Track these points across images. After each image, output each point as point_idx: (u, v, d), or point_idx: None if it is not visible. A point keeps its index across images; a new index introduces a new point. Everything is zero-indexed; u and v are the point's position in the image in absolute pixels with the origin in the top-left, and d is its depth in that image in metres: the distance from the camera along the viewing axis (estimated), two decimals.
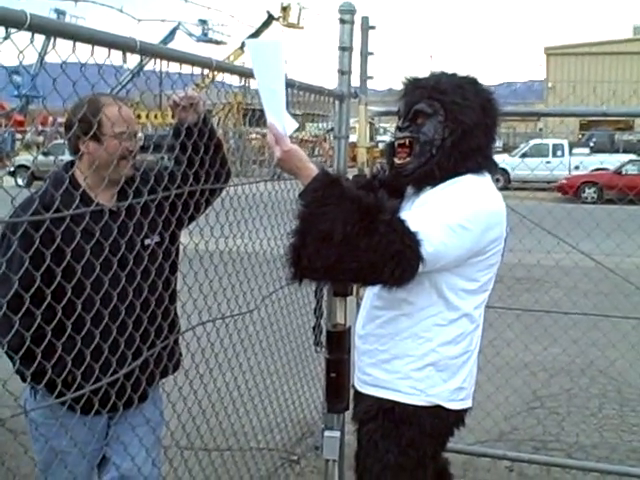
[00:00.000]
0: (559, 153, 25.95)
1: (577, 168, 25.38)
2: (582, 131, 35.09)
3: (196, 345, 2.92)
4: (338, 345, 3.65)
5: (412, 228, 2.14)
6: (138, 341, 2.48)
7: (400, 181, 2.50)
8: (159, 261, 2.58)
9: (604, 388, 5.75)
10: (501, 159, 21.83)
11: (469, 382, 2.54)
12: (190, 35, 44.15)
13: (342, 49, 3.95)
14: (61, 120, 2.65)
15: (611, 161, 25.24)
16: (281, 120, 2.28)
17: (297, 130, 2.42)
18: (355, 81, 4.06)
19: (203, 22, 44.57)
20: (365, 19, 4.03)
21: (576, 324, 5.65)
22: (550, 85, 41.61)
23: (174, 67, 2.24)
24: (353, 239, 2.05)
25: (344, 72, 3.95)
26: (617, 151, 28.37)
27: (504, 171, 20.70)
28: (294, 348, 4.31)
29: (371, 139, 5.05)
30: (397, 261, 2.10)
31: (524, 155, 23.98)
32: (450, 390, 2.45)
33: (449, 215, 2.22)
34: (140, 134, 2.71)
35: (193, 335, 2.83)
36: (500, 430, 4.93)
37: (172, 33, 42.39)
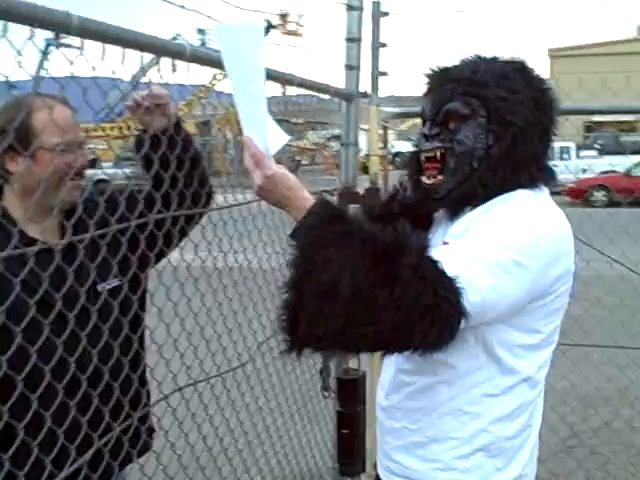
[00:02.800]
0: (566, 156, 25.54)
1: (585, 171, 24.92)
2: (586, 133, 34.67)
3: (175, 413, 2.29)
4: (351, 395, 3.08)
5: (449, 271, 1.57)
6: (85, 427, 1.83)
7: (430, 205, 1.91)
8: (115, 314, 1.94)
9: None
10: None
11: (531, 467, 1.92)
12: (189, 45, 43.64)
13: (349, 40, 3.41)
14: None
15: (620, 163, 24.77)
16: (262, 133, 1.70)
17: (288, 144, 1.81)
18: (366, 78, 3.49)
19: (201, 32, 44.11)
20: (376, 4, 3.46)
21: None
22: (553, 82, 41.21)
23: (173, 77, 2.00)
24: (367, 293, 1.50)
25: (352, 67, 3.40)
26: (623, 153, 27.92)
27: None
28: (297, 400, 3.63)
29: (384, 146, 4.48)
30: (430, 320, 1.53)
31: None
32: None
33: (498, 249, 1.64)
34: (90, 145, 2.10)
35: (166, 407, 2.20)
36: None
37: None
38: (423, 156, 1.85)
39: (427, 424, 1.82)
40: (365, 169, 3.47)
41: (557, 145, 25.98)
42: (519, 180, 1.78)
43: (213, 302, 2.62)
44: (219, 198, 2.52)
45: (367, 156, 3.47)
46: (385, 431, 1.94)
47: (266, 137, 1.69)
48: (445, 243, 1.78)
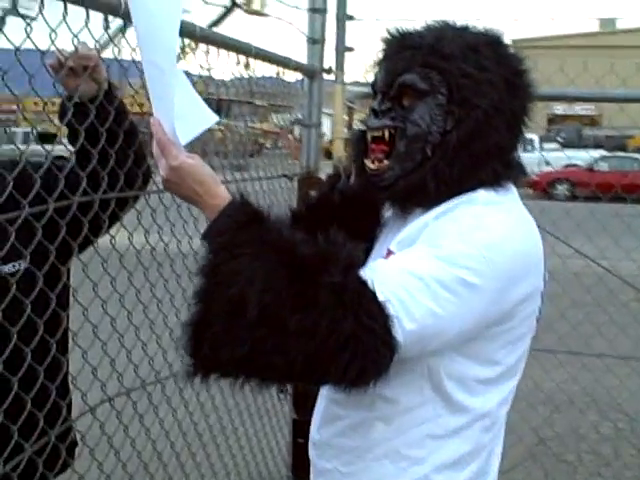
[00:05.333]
0: (529, 148, 25.56)
1: (548, 164, 25.01)
2: (550, 126, 34.86)
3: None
4: (307, 405, 2.81)
5: (380, 293, 1.31)
6: None
7: (374, 195, 1.61)
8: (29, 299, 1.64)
9: (616, 427, 4.92)
10: None
11: None
12: None
13: (313, 11, 3.14)
14: None
15: (581, 157, 24.91)
16: (171, 115, 1.41)
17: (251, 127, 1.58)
18: (330, 54, 3.20)
19: None
20: None
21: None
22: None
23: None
24: (276, 316, 1.26)
25: (315, 41, 3.12)
26: (585, 147, 28.09)
27: None
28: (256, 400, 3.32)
29: (350, 128, 4.21)
30: (351, 353, 1.28)
31: None
32: None
33: (442, 265, 1.36)
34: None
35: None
36: None
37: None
38: (369, 135, 1.56)
39: (361, 468, 1.54)
40: (329, 154, 3.21)
41: None
42: (480, 176, 1.49)
43: (165, 291, 2.34)
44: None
45: (331, 141, 3.20)
46: (317, 472, 1.65)
47: (174, 120, 1.41)
48: (390, 253, 1.50)
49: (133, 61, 1.78)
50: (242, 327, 1.25)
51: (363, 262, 1.42)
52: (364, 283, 1.31)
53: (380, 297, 1.30)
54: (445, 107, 1.49)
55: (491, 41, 1.55)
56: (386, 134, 1.52)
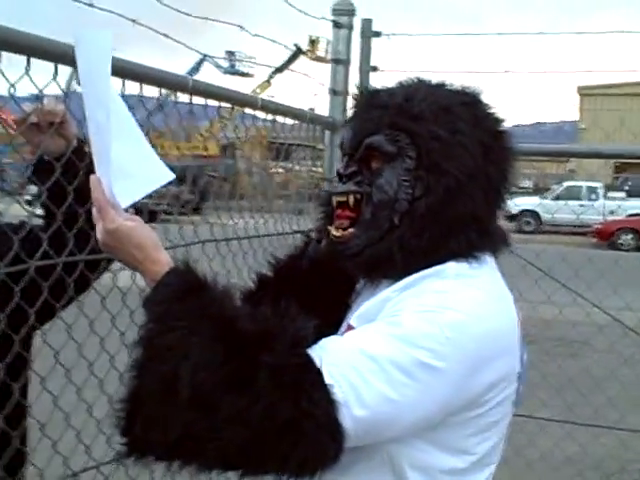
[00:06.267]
0: (593, 196, 25.11)
1: (612, 213, 24.49)
2: (617, 174, 34.24)
3: None
4: None
5: (328, 375, 1.20)
6: None
7: (339, 264, 1.47)
8: None
9: None
10: (533, 201, 23.61)
11: None
12: (217, 67, 43.91)
13: (336, 62, 3.04)
14: None
15: None
16: (107, 170, 1.32)
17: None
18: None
19: (230, 54, 44.39)
20: (367, 22, 3.09)
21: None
22: (583, 126, 40.67)
23: (199, 99, 2.15)
24: (208, 397, 1.16)
25: (337, 92, 3.03)
26: None
27: (535, 214, 21.66)
28: None
29: None
30: (290, 441, 1.18)
31: (557, 198, 23.18)
32: None
33: (399, 345, 1.23)
34: None
35: None
36: None
37: (198, 65, 42.15)
38: (335, 200, 1.45)
39: None
40: None
41: (585, 185, 25.61)
42: (451, 247, 1.37)
43: None
44: (240, 222, 2.32)
45: None
46: None
47: (110, 179, 1.31)
48: (350, 327, 1.38)
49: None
50: (173, 408, 1.16)
51: (325, 336, 1.29)
52: (308, 363, 1.20)
53: (327, 380, 1.19)
54: (414, 172, 1.37)
55: (467, 100, 1.43)
56: (351, 200, 1.41)
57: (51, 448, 1.78)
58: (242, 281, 2.40)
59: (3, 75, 1.45)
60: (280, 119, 2.63)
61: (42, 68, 1.57)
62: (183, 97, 2.10)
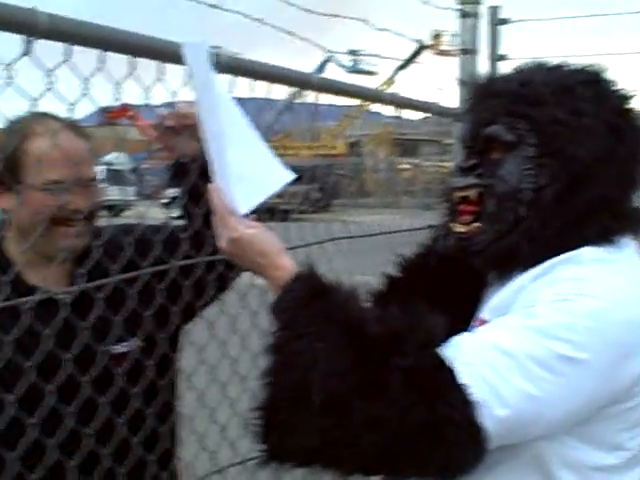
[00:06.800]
0: None
1: None
2: None
3: None
4: None
5: (462, 376, 1.15)
6: None
7: (467, 260, 1.42)
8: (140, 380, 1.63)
9: None
10: None
11: None
12: (341, 66, 44.18)
13: (463, 52, 2.98)
14: None
15: None
16: (225, 177, 1.33)
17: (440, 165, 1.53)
18: None
19: (353, 52, 44.55)
20: (494, 10, 3.01)
21: None
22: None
23: (324, 99, 2.09)
24: (342, 404, 1.13)
25: (465, 83, 2.96)
26: None
27: None
28: None
29: None
30: (428, 445, 1.14)
31: None
32: None
33: (537, 339, 1.17)
34: (101, 179, 1.80)
35: None
36: None
37: (323, 66, 42.57)
38: (456, 195, 1.40)
39: None
40: None
41: None
42: (583, 234, 1.29)
43: None
44: (366, 219, 2.25)
45: None
46: None
47: (230, 188, 1.32)
48: (482, 321, 1.33)
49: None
50: (308, 416, 1.15)
51: (457, 333, 1.26)
52: (441, 364, 1.16)
53: (462, 379, 1.15)
54: (536, 160, 1.31)
55: (588, 79, 1.35)
56: (473, 193, 1.36)
57: (197, 443, 1.83)
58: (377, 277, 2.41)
59: (137, 82, 1.50)
60: (405, 116, 2.60)
61: (175, 73, 1.62)
62: (309, 98, 2.14)
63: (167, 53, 1.52)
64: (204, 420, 1.83)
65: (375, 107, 2.49)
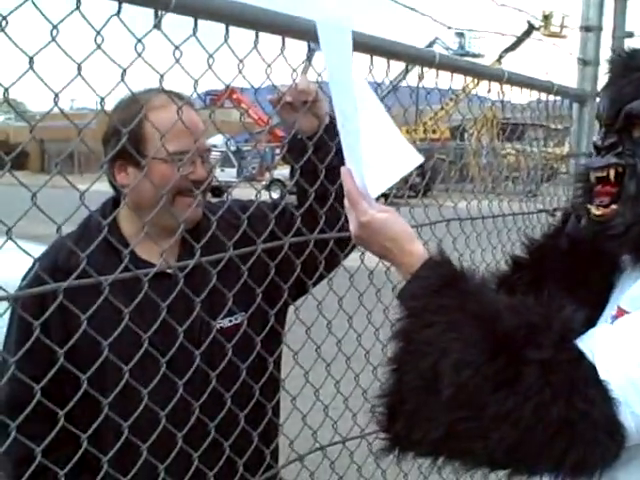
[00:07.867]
0: None
1: None
2: None
3: None
4: None
5: (601, 371, 1.10)
6: None
7: (601, 244, 1.34)
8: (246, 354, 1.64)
9: None
10: None
11: None
12: (447, 49, 43.46)
13: (586, 29, 2.83)
14: None
15: None
16: (359, 165, 1.29)
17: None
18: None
19: (460, 35, 43.70)
20: None
21: None
22: None
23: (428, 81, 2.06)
24: (474, 396, 1.10)
25: (587, 62, 2.82)
26: None
27: None
28: None
29: None
30: (565, 442, 1.09)
31: None
32: None
33: None
34: (215, 153, 1.79)
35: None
36: None
37: (430, 47, 42.05)
38: (593, 176, 1.33)
39: None
40: None
41: None
42: None
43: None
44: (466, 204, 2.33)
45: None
46: None
47: (362, 172, 1.28)
48: (621, 312, 1.25)
49: None
50: (436, 406, 1.11)
51: (590, 320, 1.19)
52: (580, 358, 1.10)
53: (602, 376, 1.09)
54: None
55: None
56: (612, 174, 1.29)
57: (301, 421, 1.82)
58: (489, 261, 2.34)
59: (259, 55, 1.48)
60: (511, 100, 2.51)
61: (294, 48, 1.59)
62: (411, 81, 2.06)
63: (287, 27, 1.50)
64: (307, 399, 1.81)
65: (481, 90, 2.40)
